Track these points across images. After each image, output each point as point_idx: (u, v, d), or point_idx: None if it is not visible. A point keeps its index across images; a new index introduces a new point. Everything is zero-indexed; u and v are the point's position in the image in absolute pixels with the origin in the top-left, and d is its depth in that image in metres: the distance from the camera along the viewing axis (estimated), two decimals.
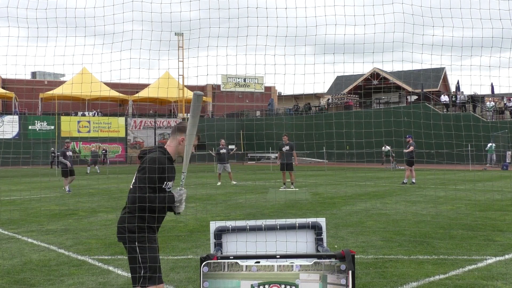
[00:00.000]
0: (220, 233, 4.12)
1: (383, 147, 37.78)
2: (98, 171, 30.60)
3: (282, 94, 63.50)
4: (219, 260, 3.44)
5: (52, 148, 38.47)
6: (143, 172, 3.65)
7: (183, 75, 46.32)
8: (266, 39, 5.27)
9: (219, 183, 19.65)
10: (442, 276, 5.63)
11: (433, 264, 6.23)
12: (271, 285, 3.39)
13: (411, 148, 18.67)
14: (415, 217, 9.98)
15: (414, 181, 18.73)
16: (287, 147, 17.44)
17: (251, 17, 5.22)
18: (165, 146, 3.92)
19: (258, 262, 3.46)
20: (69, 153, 17.11)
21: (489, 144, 31.22)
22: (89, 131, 46.57)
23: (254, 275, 3.40)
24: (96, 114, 48.79)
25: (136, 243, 3.64)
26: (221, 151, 20.01)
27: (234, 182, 19.91)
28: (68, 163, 16.73)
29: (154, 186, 3.65)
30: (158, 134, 48.97)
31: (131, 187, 3.77)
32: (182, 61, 44.95)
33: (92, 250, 7.30)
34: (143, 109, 52.85)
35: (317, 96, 53.92)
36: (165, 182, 3.76)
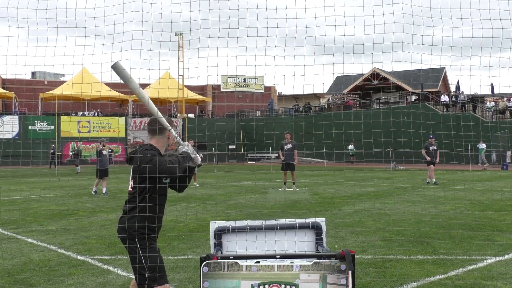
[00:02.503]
0: (220, 233, 4.13)
1: (349, 146, 38.68)
2: (78, 171, 30.24)
3: (282, 94, 63.50)
4: (219, 260, 3.44)
5: (53, 145, 38.34)
6: (142, 168, 3.64)
7: (183, 76, 46.33)
8: (266, 40, 5.28)
9: (196, 184, 19.08)
10: (442, 276, 5.64)
11: (433, 264, 6.23)
12: (271, 285, 3.40)
13: (438, 152, 18.47)
14: (415, 217, 9.98)
15: (429, 181, 18.58)
16: (289, 146, 16.93)
17: (251, 18, 5.22)
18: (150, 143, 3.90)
19: (258, 262, 3.47)
20: (105, 152, 16.60)
21: (479, 145, 31.28)
22: (89, 131, 46.56)
23: (254, 275, 3.41)
24: (96, 114, 48.80)
25: (137, 243, 3.65)
26: None
27: (196, 184, 18.91)
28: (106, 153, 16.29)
29: (155, 180, 3.66)
30: None
31: (131, 189, 3.78)
32: (182, 62, 44.94)
33: (92, 250, 7.30)
34: (143, 109, 52.83)
35: (317, 96, 53.94)
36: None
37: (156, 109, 3.92)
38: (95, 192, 16.07)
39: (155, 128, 3.90)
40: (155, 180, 3.68)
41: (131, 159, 3.80)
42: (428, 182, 18.63)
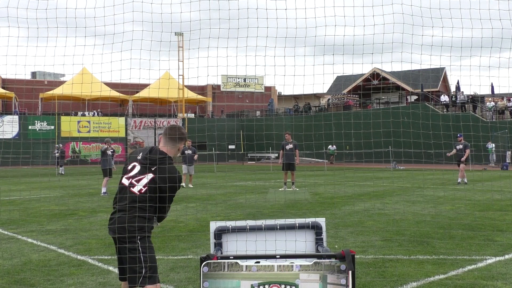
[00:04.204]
0: (220, 233, 4.13)
1: (330, 146, 38.89)
2: (63, 172, 29.58)
3: (282, 94, 63.50)
4: (219, 260, 3.45)
5: (56, 145, 38.29)
6: (172, 182, 3.75)
7: (183, 76, 46.33)
8: (266, 40, 5.29)
9: (183, 184, 18.92)
10: (442, 276, 5.64)
11: (433, 264, 6.24)
12: (271, 285, 3.40)
13: (468, 151, 18.07)
14: (415, 217, 9.99)
15: (465, 181, 18.25)
16: (290, 146, 16.74)
17: (251, 18, 5.23)
18: (162, 149, 3.90)
19: (258, 262, 3.47)
20: (109, 152, 16.44)
21: (488, 145, 31.29)
22: (89, 131, 46.55)
23: (254, 275, 3.41)
24: (96, 114, 48.78)
25: (139, 243, 3.66)
26: (186, 151, 18.59)
27: (191, 186, 18.61)
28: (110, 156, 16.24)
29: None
30: (158, 134, 48.95)
31: (138, 193, 3.75)
32: (182, 62, 44.96)
33: (92, 250, 7.30)
34: (143, 109, 52.85)
35: (317, 96, 53.96)
36: None
37: None
38: (105, 193, 15.68)
39: (175, 137, 3.91)
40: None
41: (145, 159, 3.79)
42: (459, 182, 18.22)
